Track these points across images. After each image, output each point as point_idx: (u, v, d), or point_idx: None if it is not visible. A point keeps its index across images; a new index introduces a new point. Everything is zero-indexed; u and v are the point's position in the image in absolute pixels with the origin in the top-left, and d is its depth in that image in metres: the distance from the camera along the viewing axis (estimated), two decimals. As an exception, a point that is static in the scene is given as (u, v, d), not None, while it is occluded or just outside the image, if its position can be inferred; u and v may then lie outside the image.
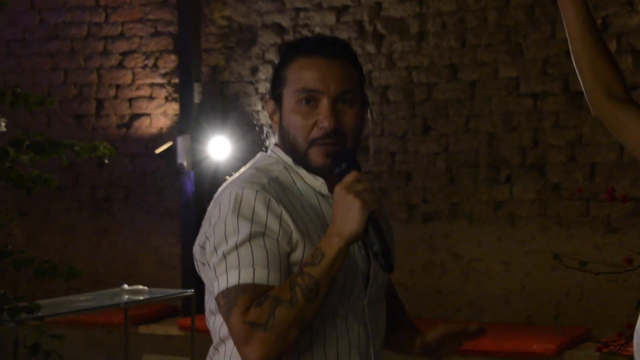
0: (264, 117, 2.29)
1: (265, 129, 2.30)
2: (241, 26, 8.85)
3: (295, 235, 2.07)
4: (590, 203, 7.37)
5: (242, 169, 2.28)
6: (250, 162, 2.30)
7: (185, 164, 8.65)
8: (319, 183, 2.19)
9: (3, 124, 5.52)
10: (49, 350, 5.24)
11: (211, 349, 2.29)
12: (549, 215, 7.61)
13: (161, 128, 9.23)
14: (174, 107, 9.11)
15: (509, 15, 7.65)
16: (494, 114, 7.78)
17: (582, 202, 7.43)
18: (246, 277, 2.00)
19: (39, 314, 5.33)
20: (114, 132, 9.34)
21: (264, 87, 8.73)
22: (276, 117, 2.24)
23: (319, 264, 1.96)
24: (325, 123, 2.09)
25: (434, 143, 8.06)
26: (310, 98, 2.13)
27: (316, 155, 2.11)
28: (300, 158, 2.18)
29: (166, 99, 9.17)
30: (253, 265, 2.01)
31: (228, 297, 2.01)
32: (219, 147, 8.37)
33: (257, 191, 2.07)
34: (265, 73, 8.80)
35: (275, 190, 2.12)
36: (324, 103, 2.10)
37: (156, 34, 9.21)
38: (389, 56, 8.13)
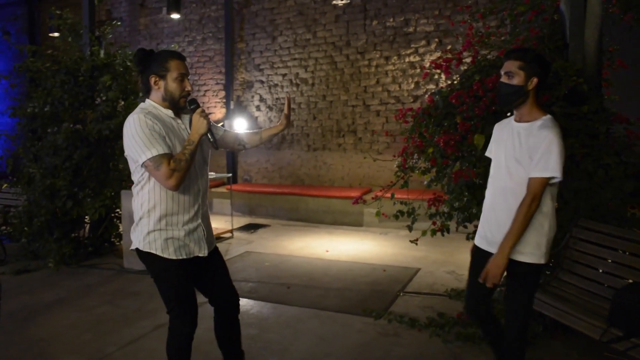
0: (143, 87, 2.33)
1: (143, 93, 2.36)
2: (247, 80, 9.59)
3: (164, 134, 2.22)
4: (372, 144, 8.54)
5: (137, 109, 2.30)
6: (139, 106, 2.32)
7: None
8: (170, 113, 2.31)
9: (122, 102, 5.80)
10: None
11: (140, 205, 2.31)
12: (358, 148, 8.65)
13: (219, 118, 9.84)
14: (223, 110, 9.80)
15: (344, 76, 8.70)
16: (339, 113, 8.82)
17: (367, 143, 8.58)
18: (161, 150, 2.16)
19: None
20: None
21: (257, 101, 9.41)
22: (160, 85, 2.29)
23: (191, 145, 2.20)
24: (189, 88, 2.30)
25: (317, 123, 9.01)
26: (182, 77, 2.29)
27: (184, 102, 2.31)
28: (175, 103, 2.31)
29: (221, 107, 9.88)
30: (160, 144, 2.16)
31: (154, 160, 2.15)
32: (240, 123, 9.11)
33: (145, 115, 2.22)
34: (257, 99, 9.44)
35: (152, 117, 2.23)
36: (187, 79, 2.32)
37: (217, 84, 9.96)
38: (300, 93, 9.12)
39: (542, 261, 2.40)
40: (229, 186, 8.52)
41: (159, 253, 2.29)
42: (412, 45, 8.32)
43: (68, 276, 5.26)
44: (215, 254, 2.52)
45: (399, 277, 5.06)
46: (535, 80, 2.39)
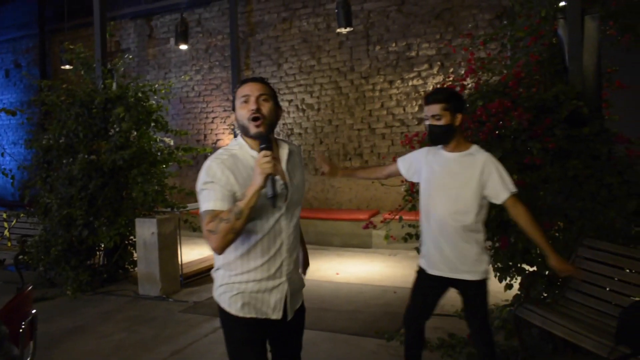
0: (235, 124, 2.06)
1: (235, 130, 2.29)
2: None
3: (235, 186, 1.93)
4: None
5: (219, 151, 2.06)
6: (222, 147, 2.10)
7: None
8: (255, 153, 1.99)
9: (172, 142, 6.25)
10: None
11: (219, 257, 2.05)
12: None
13: (226, 145, 10.67)
14: (231, 137, 9.79)
15: (349, 100, 9.05)
16: (345, 136, 8.87)
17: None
18: (210, 206, 1.90)
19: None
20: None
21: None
22: (233, 117, 2.08)
23: (243, 200, 1.84)
24: (253, 106, 1.97)
25: (324, 147, 8.96)
26: (246, 99, 2.00)
27: (252, 127, 1.99)
28: (246, 131, 2.01)
29: (229, 133, 10.03)
30: (213, 200, 1.90)
31: (202, 217, 1.91)
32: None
33: (217, 162, 1.96)
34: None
35: (230, 161, 1.97)
36: (252, 99, 1.98)
37: (225, 110, 9.96)
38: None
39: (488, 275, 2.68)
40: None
41: (225, 307, 2.05)
42: (415, 69, 8.46)
43: (85, 303, 5.34)
44: (298, 318, 2.18)
45: (410, 298, 5.07)
46: (459, 116, 2.60)
